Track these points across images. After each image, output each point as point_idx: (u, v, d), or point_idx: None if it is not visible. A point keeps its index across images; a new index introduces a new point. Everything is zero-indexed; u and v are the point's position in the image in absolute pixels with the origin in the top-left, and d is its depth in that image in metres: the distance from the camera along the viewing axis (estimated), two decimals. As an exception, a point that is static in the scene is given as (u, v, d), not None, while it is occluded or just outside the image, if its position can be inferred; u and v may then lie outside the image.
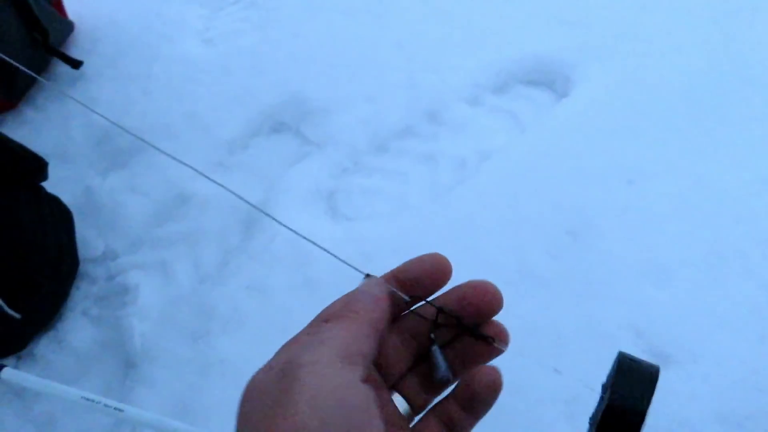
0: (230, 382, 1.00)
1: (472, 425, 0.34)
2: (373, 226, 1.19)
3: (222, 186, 0.40)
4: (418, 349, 0.35)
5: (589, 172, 1.22)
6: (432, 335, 0.34)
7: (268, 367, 0.29)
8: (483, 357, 0.34)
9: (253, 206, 0.37)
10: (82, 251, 1.23)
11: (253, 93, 1.47)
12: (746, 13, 1.46)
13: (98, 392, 0.84)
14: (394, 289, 0.34)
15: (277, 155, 1.37)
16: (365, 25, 1.59)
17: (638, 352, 0.97)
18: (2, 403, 1.07)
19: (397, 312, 0.35)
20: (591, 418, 0.31)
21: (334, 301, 0.33)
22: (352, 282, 0.35)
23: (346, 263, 0.36)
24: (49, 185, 1.18)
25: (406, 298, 0.34)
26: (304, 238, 0.37)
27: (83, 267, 1.23)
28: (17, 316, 1.05)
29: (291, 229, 0.37)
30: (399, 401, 0.34)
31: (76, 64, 1.56)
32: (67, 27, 1.66)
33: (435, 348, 0.34)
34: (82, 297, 1.20)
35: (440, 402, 0.34)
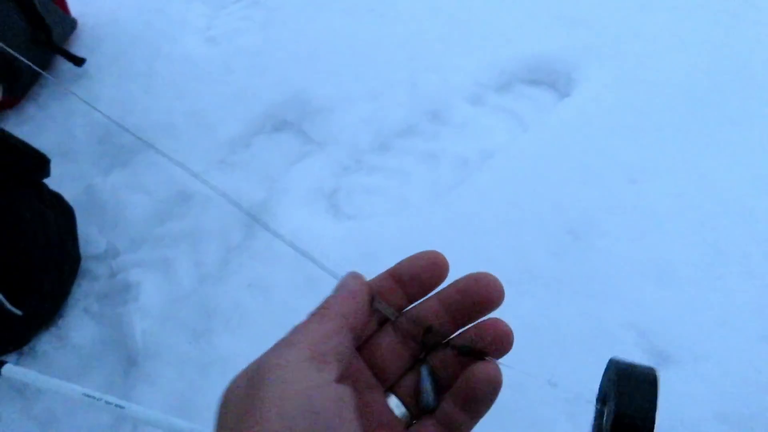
0: (231, 380, 1.00)
1: (471, 426, 0.33)
2: (375, 224, 1.19)
3: (215, 189, 0.40)
4: (417, 350, 0.34)
5: (591, 171, 1.22)
6: (422, 355, 0.33)
7: (243, 374, 0.29)
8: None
9: (244, 211, 0.37)
10: (84, 248, 1.24)
11: (255, 91, 1.47)
12: (747, 12, 1.46)
13: (99, 389, 0.84)
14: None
15: (279, 154, 1.37)
16: (367, 24, 1.59)
17: (639, 351, 0.97)
18: (3, 400, 1.07)
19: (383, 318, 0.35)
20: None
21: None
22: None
23: (329, 271, 0.36)
24: (51, 182, 1.18)
25: (393, 315, 0.33)
26: (291, 245, 0.37)
27: (85, 264, 1.23)
28: (18, 312, 1.05)
29: (278, 236, 0.37)
30: (395, 404, 0.33)
31: (78, 61, 1.56)
32: (70, 24, 1.66)
33: (424, 370, 0.33)
34: (83, 294, 1.20)
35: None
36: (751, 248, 1.08)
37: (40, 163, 1.12)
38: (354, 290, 0.32)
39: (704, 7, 1.49)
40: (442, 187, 1.25)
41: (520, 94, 1.42)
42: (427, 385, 0.32)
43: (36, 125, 1.50)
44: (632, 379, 0.29)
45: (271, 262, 1.15)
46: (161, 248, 1.23)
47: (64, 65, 1.58)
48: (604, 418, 0.29)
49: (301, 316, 0.32)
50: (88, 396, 0.79)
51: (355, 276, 0.33)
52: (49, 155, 1.14)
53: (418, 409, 0.33)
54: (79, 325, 1.16)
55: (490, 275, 0.33)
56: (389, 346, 0.34)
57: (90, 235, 1.25)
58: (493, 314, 0.33)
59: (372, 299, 0.34)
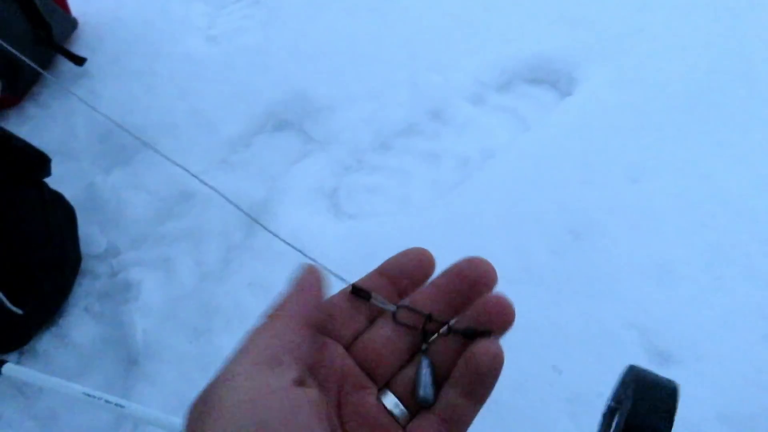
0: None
1: (473, 414, 0.30)
2: (376, 224, 1.19)
3: (214, 189, 0.40)
4: (415, 340, 0.33)
5: (592, 170, 1.22)
6: (423, 347, 0.32)
7: (202, 390, 0.27)
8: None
9: (243, 211, 0.37)
10: (85, 247, 1.24)
11: (256, 91, 1.47)
12: (749, 11, 1.46)
13: (100, 388, 0.84)
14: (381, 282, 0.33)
15: (280, 153, 1.37)
16: (369, 23, 1.59)
17: (640, 351, 0.97)
18: (4, 399, 1.07)
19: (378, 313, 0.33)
20: None
21: None
22: (353, 280, 0.34)
23: (336, 275, 0.35)
24: (52, 181, 1.18)
25: (393, 307, 0.32)
26: (293, 247, 0.36)
27: (86, 263, 1.23)
28: (19, 311, 1.05)
29: (275, 235, 0.37)
30: (393, 402, 0.31)
31: (79, 61, 1.56)
32: (71, 24, 1.66)
33: (424, 361, 0.31)
34: (84, 293, 1.20)
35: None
36: (753, 248, 1.07)
37: (41, 163, 1.12)
38: (307, 283, 0.31)
39: (706, 6, 1.48)
40: (443, 187, 1.25)
41: (521, 93, 1.41)
42: (426, 377, 0.31)
43: (37, 124, 1.50)
44: (651, 390, 0.28)
45: (272, 262, 1.15)
46: (162, 247, 1.23)
47: (65, 65, 1.58)
48: (615, 422, 0.29)
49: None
50: (89, 395, 0.79)
51: (307, 268, 0.32)
52: (50, 154, 1.13)
53: (415, 405, 0.31)
54: (79, 324, 1.16)
55: (481, 257, 0.33)
56: (384, 341, 0.32)
57: (91, 235, 1.25)
58: None
59: (350, 290, 0.33)
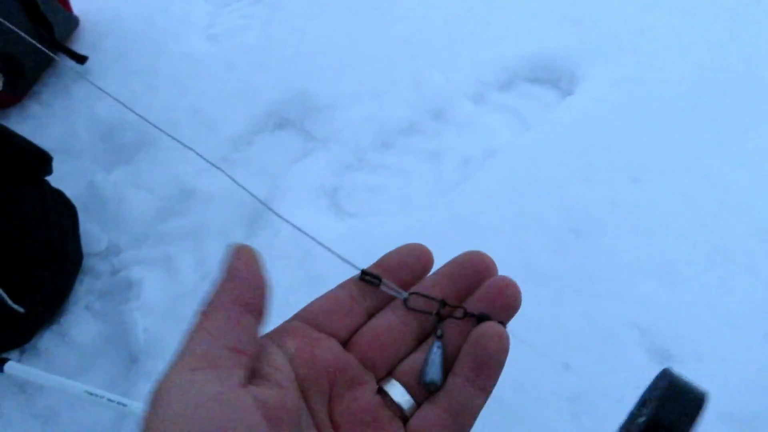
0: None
1: (479, 404, 0.29)
2: (377, 223, 1.19)
3: (232, 179, 0.40)
4: (422, 329, 0.32)
5: (594, 170, 1.22)
6: (438, 331, 0.31)
7: None
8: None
9: (261, 201, 0.37)
10: (86, 246, 1.24)
11: (257, 89, 1.47)
12: (752, 11, 1.45)
13: (101, 387, 0.84)
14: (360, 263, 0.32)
15: (281, 151, 1.36)
16: (370, 22, 1.59)
17: (642, 350, 0.97)
18: (5, 397, 1.07)
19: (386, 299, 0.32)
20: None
21: None
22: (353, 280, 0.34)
23: (344, 259, 0.34)
24: (54, 180, 1.18)
25: (405, 294, 0.32)
26: (307, 235, 0.36)
27: (87, 261, 1.23)
28: (20, 309, 1.05)
29: (294, 226, 0.37)
30: (399, 392, 0.30)
31: (81, 59, 1.56)
32: (72, 22, 1.66)
33: (435, 345, 0.30)
34: (85, 291, 1.20)
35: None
36: (755, 247, 1.07)
37: (42, 161, 1.12)
38: (238, 266, 0.28)
39: (708, 5, 1.48)
40: (444, 186, 1.25)
41: (522, 92, 1.41)
42: (436, 359, 0.30)
43: (38, 123, 1.50)
44: (680, 394, 0.28)
45: (273, 260, 1.15)
46: (163, 246, 1.23)
47: (67, 63, 1.58)
48: (636, 421, 0.29)
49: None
50: (91, 394, 0.79)
51: (235, 249, 0.29)
52: (52, 153, 1.14)
53: (421, 394, 0.30)
54: (80, 323, 1.16)
55: (481, 251, 0.32)
56: (389, 330, 0.31)
57: (92, 233, 1.25)
58: None
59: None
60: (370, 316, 0.32)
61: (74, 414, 1.04)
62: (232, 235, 1.22)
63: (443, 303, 0.31)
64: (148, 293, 1.15)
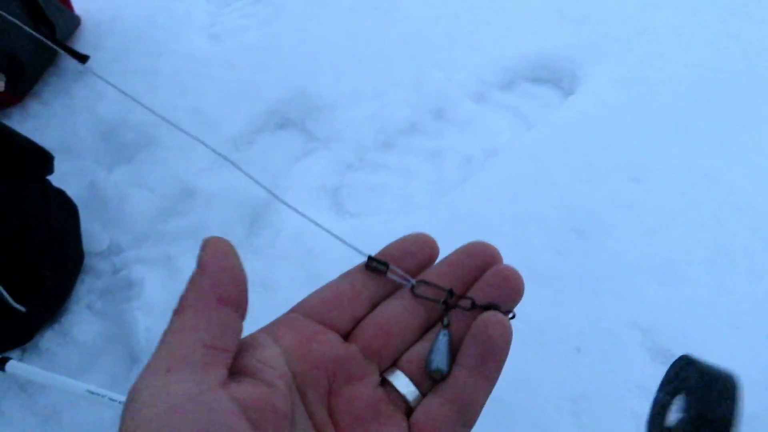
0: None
1: (484, 395, 0.29)
2: (378, 222, 1.19)
3: (242, 170, 0.40)
4: (428, 318, 0.31)
5: (595, 169, 1.21)
6: (444, 320, 0.30)
7: None
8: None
9: (269, 191, 0.36)
10: (87, 245, 1.24)
11: (258, 89, 1.47)
12: (753, 10, 1.45)
13: (102, 386, 0.84)
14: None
15: (283, 151, 1.36)
16: (371, 22, 1.59)
17: (643, 350, 0.97)
18: (7, 396, 1.07)
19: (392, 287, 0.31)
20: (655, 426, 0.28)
21: None
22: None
23: (351, 246, 0.34)
24: (55, 179, 1.18)
25: (412, 281, 0.31)
26: (316, 223, 0.36)
27: (88, 261, 1.23)
28: (22, 309, 1.05)
29: (295, 209, 0.37)
30: (404, 383, 0.29)
31: (82, 58, 1.56)
32: (74, 21, 1.66)
33: (442, 334, 0.30)
34: (86, 291, 1.20)
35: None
36: (756, 247, 1.07)
37: (43, 160, 1.12)
38: (211, 259, 0.27)
39: (710, 5, 1.48)
40: (445, 185, 1.25)
41: (524, 92, 1.41)
42: (442, 346, 0.29)
43: (39, 122, 1.50)
44: (714, 382, 0.27)
45: (274, 260, 1.15)
46: (164, 245, 1.23)
47: (68, 62, 1.58)
48: (673, 413, 0.28)
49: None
50: (93, 393, 0.79)
51: (208, 241, 0.28)
52: (53, 152, 1.14)
53: (426, 384, 0.29)
54: (82, 322, 1.16)
55: (484, 241, 0.32)
56: (394, 318, 0.30)
57: (93, 232, 1.25)
58: None
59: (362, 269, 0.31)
60: (374, 306, 0.32)
61: (75, 413, 1.04)
62: (233, 235, 1.22)
63: (451, 292, 0.31)
64: (149, 292, 1.15)
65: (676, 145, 1.23)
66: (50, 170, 1.14)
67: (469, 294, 0.31)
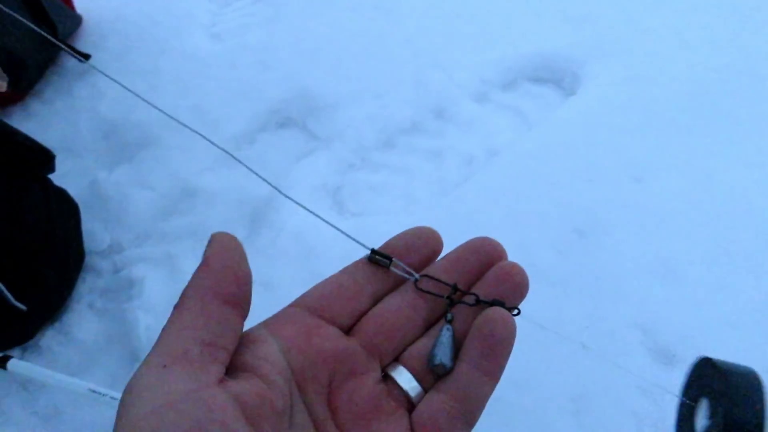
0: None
1: (487, 392, 0.28)
2: (379, 222, 1.19)
3: (246, 165, 0.40)
4: (431, 313, 0.31)
5: (597, 169, 1.21)
6: (448, 315, 0.30)
7: None
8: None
9: (273, 186, 0.36)
10: (88, 244, 1.24)
11: (260, 88, 1.47)
12: (755, 10, 1.45)
13: (103, 385, 0.84)
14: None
15: (284, 150, 1.36)
16: (373, 21, 1.59)
17: (644, 350, 0.97)
18: (8, 395, 1.07)
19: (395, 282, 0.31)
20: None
21: None
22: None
23: (354, 239, 0.33)
24: (56, 178, 1.18)
25: (416, 275, 0.31)
26: (321, 218, 0.36)
27: (89, 260, 1.24)
28: (23, 308, 1.05)
29: (299, 203, 0.36)
30: (406, 378, 0.29)
31: (84, 57, 1.56)
32: (75, 20, 1.66)
33: (446, 329, 0.29)
34: (87, 290, 1.20)
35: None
36: (757, 247, 1.07)
37: (45, 159, 1.12)
38: (216, 255, 0.27)
39: (711, 5, 1.48)
40: (447, 185, 1.25)
41: (525, 92, 1.41)
42: (446, 341, 0.29)
43: (40, 121, 1.50)
44: (741, 384, 0.27)
45: (275, 259, 1.15)
46: (165, 244, 1.23)
47: (69, 61, 1.59)
48: (700, 420, 0.28)
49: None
50: (94, 391, 0.79)
51: (215, 237, 0.28)
52: (54, 151, 1.14)
53: (429, 380, 0.29)
54: (82, 321, 1.16)
55: (488, 237, 0.32)
56: (396, 314, 0.30)
57: (94, 231, 1.26)
58: None
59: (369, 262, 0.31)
60: (376, 301, 0.31)
61: (77, 412, 1.04)
62: (234, 234, 1.22)
63: (455, 288, 0.30)
64: (150, 292, 1.15)
65: (678, 145, 1.23)
66: (51, 169, 1.14)
67: (473, 290, 0.31)
